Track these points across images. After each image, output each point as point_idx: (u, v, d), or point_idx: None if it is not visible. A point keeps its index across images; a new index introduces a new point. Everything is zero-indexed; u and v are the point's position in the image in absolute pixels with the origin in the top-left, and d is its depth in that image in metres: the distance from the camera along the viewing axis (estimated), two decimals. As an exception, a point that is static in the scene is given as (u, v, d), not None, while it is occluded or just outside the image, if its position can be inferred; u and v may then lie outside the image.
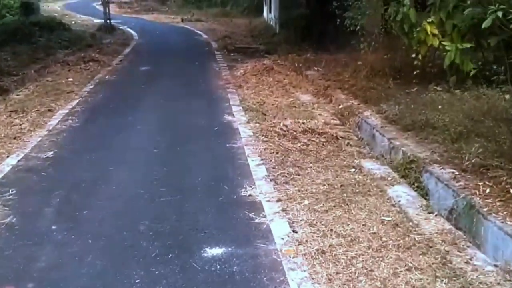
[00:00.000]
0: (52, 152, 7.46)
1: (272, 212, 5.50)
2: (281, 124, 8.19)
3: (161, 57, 17.27)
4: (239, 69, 14.08)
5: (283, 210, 5.53)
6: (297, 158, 7.05)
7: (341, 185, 6.12)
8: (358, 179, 6.34)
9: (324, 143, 7.66)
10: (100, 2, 31.60)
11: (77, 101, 10.62)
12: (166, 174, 6.64)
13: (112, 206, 5.71)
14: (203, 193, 6.04)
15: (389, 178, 6.41)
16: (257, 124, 8.64)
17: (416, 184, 6.29)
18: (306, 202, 5.69)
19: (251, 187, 6.16)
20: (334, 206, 5.57)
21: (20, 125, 8.68)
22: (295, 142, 7.64)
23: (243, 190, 6.08)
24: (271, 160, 7.01)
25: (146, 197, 5.91)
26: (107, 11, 24.63)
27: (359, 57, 13.58)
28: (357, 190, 5.98)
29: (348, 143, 7.77)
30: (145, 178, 6.52)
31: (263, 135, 7.99)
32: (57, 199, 5.84)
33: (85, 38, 21.50)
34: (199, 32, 25.37)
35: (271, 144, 7.57)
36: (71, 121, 9.07)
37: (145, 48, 20.01)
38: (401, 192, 6.02)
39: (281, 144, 7.56)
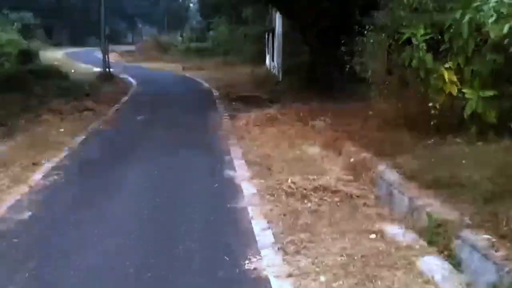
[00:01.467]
0: (29, 213, 6.56)
1: (282, 292, 4.59)
2: (289, 180, 7.29)
3: (159, 106, 16.56)
4: (241, 119, 13.32)
5: (296, 290, 4.61)
6: (309, 221, 6.14)
7: (362, 256, 5.20)
8: (381, 248, 5.42)
9: (338, 203, 6.75)
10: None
11: (66, 153, 9.80)
12: (157, 241, 5.72)
13: (89, 285, 4.78)
14: (199, 266, 5.11)
15: (417, 247, 5.48)
16: (262, 181, 7.76)
17: (445, 253, 5.39)
18: (323, 278, 4.76)
19: (256, 257, 5.25)
20: (356, 284, 4.65)
21: (-1, 180, 7.82)
22: (305, 202, 6.74)
23: (247, 262, 5.16)
24: (278, 224, 6.10)
25: (132, 271, 4.98)
26: (107, 59, 24.11)
27: (368, 106, 12.83)
28: (381, 263, 5.06)
29: (364, 203, 6.87)
30: (132, 247, 5.58)
31: (268, 194, 7.09)
32: (24, 273, 4.91)
33: (82, 86, 20.93)
34: (200, 80, 24.85)
35: (278, 204, 6.67)
36: (56, 177, 8.19)
37: (143, 97, 19.38)
38: (434, 265, 5.09)
39: (289, 204, 6.66)
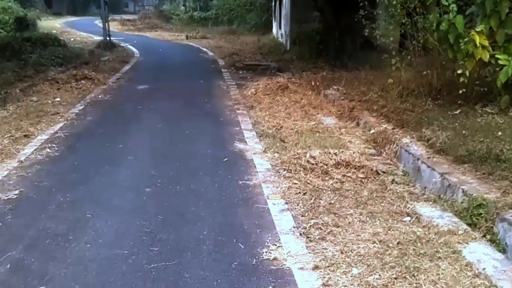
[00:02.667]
0: (17, 192, 5.82)
1: (309, 288, 3.87)
2: (307, 155, 6.52)
3: (163, 75, 15.69)
4: (249, 88, 12.51)
5: (325, 285, 3.87)
6: (332, 201, 5.40)
7: (398, 243, 4.47)
8: (418, 233, 4.69)
9: (363, 180, 6.00)
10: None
11: (61, 124, 9.02)
12: (161, 225, 4.97)
13: (80, 276, 4.06)
14: (210, 256, 4.37)
15: (459, 232, 4.73)
16: (276, 154, 7.00)
17: (488, 237, 4.68)
18: (355, 271, 4.03)
19: (275, 245, 4.51)
20: (395, 279, 3.92)
21: (-15, 155, 7.08)
22: (326, 178, 5.99)
23: (265, 250, 4.42)
24: (298, 204, 5.36)
25: (131, 262, 4.25)
26: (107, 27, 23.15)
27: (386, 74, 12.05)
28: (421, 251, 4.32)
29: (393, 179, 6.12)
30: (131, 231, 4.84)
31: (285, 169, 6.33)
32: (6, 265, 4.19)
33: (82, 55, 20.07)
34: (204, 49, 23.91)
35: (296, 182, 5.91)
36: (49, 150, 7.44)
37: (146, 66, 18.48)
38: (482, 254, 4.36)
39: (308, 181, 5.91)
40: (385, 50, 10.80)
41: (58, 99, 11.23)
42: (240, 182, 6.05)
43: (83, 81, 13.16)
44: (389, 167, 6.62)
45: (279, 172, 6.26)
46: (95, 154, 7.29)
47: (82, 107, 10.59)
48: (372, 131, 8.37)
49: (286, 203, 5.40)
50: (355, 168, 6.18)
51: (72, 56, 18.99)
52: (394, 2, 9.49)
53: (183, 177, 6.29)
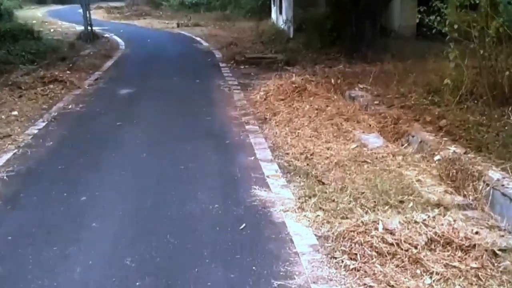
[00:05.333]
0: None
1: None
2: (380, 227, 4.03)
3: (150, 74, 13.04)
4: (257, 90, 10.05)
5: None
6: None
7: None
8: None
9: (479, 273, 3.59)
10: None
11: (9, 156, 6.55)
12: None
13: None
14: None
15: None
16: (320, 214, 4.54)
17: None
18: None
19: None
20: None
21: None
22: (418, 272, 3.57)
23: None
24: None
25: None
26: (88, 16, 20.54)
27: (425, 69, 9.72)
28: None
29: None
30: None
31: (344, 252, 3.87)
32: None
33: (59, 49, 17.51)
34: (197, 39, 21.29)
35: (372, 283, 3.49)
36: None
37: (131, 61, 15.90)
38: None
39: (392, 281, 3.49)
40: (402, 37, 8.52)
41: (16, 112, 8.74)
42: (275, 284, 3.60)
43: (52, 85, 10.63)
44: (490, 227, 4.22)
45: (335, 258, 3.81)
46: (42, 220, 4.73)
47: (43, 125, 8.10)
48: (438, 157, 6.00)
49: None
50: (462, 250, 3.76)
51: (47, 51, 16.44)
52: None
53: (177, 272, 3.83)
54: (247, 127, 7.75)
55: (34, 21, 27.50)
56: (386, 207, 4.49)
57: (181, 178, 5.67)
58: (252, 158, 6.31)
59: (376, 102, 8.65)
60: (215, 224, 4.54)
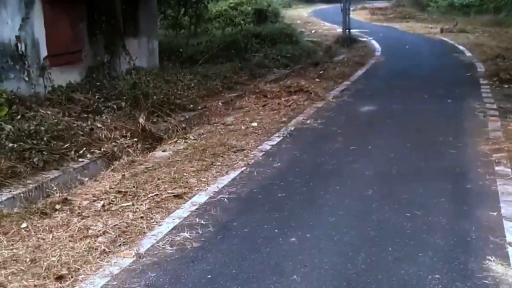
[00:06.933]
0: None
1: None
2: None
3: (399, 89, 12.26)
4: (518, 119, 8.68)
5: None
6: None
7: None
8: None
9: None
10: (352, 8, 27.71)
11: (237, 173, 6.52)
12: None
13: None
14: None
15: None
16: None
17: None
18: None
19: None
20: None
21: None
22: None
23: None
24: None
25: None
26: (347, 19, 20.46)
27: None
28: None
29: None
30: None
31: None
32: None
33: (315, 52, 17.77)
34: (460, 47, 19.73)
35: None
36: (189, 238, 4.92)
37: (383, 72, 15.28)
38: None
39: None
40: None
41: (255, 123, 8.83)
42: None
43: (296, 96, 10.61)
44: None
45: None
46: (243, 261, 4.47)
47: (278, 140, 8.01)
48: None
49: None
50: None
51: (302, 55, 16.80)
52: None
53: None
54: (496, 168, 6.60)
55: (298, 21, 28.61)
56: None
57: (403, 230, 4.92)
58: (495, 213, 5.25)
59: None
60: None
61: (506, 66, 14.25)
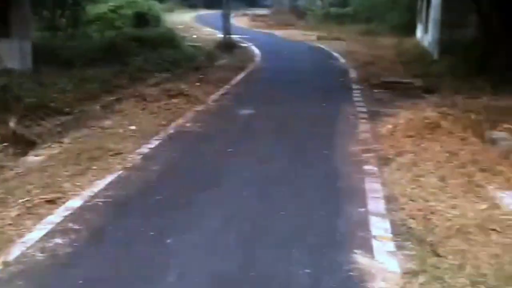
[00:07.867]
0: None
1: None
2: None
3: (277, 93, 12.65)
4: (386, 122, 9.22)
5: None
6: None
7: None
8: None
9: None
10: (233, 15, 28.11)
11: (114, 177, 6.43)
12: None
13: None
14: None
15: None
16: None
17: None
18: None
19: None
20: None
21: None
22: None
23: None
24: None
25: None
26: (227, 25, 20.77)
27: None
28: None
29: None
30: None
31: None
32: None
33: (196, 57, 17.82)
34: (335, 54, 20.68)
35: None
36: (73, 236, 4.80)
37: (262, 76, 15.67)
38: None
39: None
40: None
41: (134, 127, 8.74)
42: None
43: (176, 99, 10.61)
44: None
45: None
46: (119, 264, 4.42)
47: (157, 143, 7.99)
48: None
49: None
50: None
51: (183, 59, 16.79)
52: None
53: None
54: (364, 167, 7.02)
55: (180, 26, 28.56)
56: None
57: (277, 229, 5.10)
58: (363, 209, 5.59)
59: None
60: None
61: (375, 72, 15.14)
